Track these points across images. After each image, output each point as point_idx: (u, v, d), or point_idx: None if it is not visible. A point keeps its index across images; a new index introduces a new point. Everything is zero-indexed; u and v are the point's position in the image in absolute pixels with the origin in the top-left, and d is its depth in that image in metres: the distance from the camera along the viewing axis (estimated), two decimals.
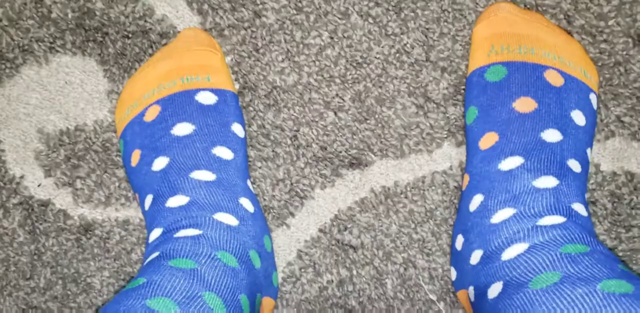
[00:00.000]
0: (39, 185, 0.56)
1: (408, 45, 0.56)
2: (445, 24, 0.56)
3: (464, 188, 0.53)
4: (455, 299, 0.55)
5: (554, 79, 0.51)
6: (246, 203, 0.52)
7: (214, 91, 0.54)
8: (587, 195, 0.56)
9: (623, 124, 0.55)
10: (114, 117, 0.57)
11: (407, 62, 0.57)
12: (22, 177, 0.57)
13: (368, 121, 0.56)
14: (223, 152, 0.52)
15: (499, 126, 0.51)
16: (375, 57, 0.57)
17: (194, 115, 0.53)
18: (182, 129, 0.52)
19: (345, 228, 0.56)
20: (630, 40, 0.55)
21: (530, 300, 0.41)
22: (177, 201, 0.50)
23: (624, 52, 0.55)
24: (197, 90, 0.54)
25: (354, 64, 0.57)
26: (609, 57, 0.55)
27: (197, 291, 0.42)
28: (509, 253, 0.46)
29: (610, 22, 0.55)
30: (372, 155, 0.56)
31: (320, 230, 0.56)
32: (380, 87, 0.57)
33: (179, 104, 0.53)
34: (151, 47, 0.58)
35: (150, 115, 0.53)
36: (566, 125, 0.50)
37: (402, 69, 0.57)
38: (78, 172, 0.56)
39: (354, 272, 0.56)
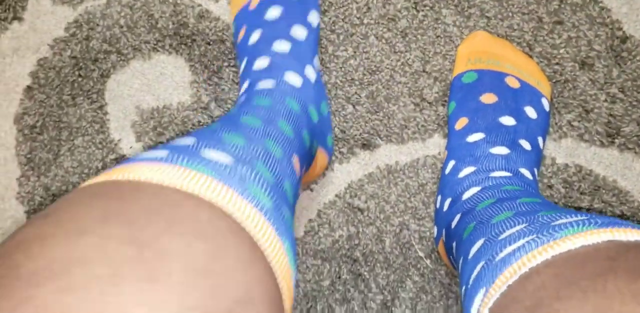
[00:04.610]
0: (130, 147, 0.64)
1: (410, 60, 0.64)
2: (438, 45, 0.65)
3: (444, 160, 0.60)
4: (439, 256, 0.61)
5: (513, 83, 0.59)
6: (310, 71, 0.56)
7: None
8: (544, 181, 0.61)
9: (573, 127, 0.62)
10: (230, 6, 0.64)
11: (409, 72, 0.63)
12: (119, 140, 0.64)
13: (377, 113, 0.63)
14: (299, 31, 0.57)
15: (469, 113, 0.58)
16: (386, 67, 0.64)
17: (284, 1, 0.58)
18: (273, 11, 0.57)
19: (356, 195, 0.62)
20: (576, 64, 0.63)
21: (475, 216, 0.49)
22: (261, 63, 0.55)
23: (572, 73, 0.63)
24: None
25: (369, 71, 0.64)
26: (560, 76, 0.62)
27: (275, 117, 0.48)
28: (467, 194, 0.53)
29: (561, 51, 0.63)
30: (379, 140, 0.63)
31: (336, 195, 0.62)
32: (388, 88, 0.63)
33: None
34: (224, 52, 0.64)
35: (253, 5, 0.59)
36: (520, 115, 0.57)
37: (405, 77, 0.63)
38: (161, 138, 0.65)
39: (360, 230, 0.61)
